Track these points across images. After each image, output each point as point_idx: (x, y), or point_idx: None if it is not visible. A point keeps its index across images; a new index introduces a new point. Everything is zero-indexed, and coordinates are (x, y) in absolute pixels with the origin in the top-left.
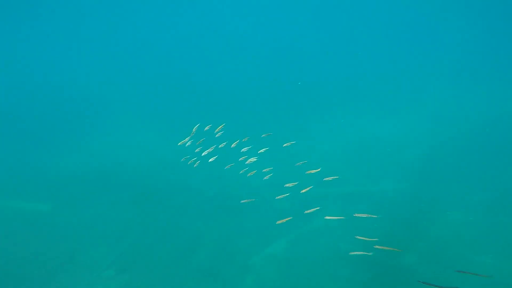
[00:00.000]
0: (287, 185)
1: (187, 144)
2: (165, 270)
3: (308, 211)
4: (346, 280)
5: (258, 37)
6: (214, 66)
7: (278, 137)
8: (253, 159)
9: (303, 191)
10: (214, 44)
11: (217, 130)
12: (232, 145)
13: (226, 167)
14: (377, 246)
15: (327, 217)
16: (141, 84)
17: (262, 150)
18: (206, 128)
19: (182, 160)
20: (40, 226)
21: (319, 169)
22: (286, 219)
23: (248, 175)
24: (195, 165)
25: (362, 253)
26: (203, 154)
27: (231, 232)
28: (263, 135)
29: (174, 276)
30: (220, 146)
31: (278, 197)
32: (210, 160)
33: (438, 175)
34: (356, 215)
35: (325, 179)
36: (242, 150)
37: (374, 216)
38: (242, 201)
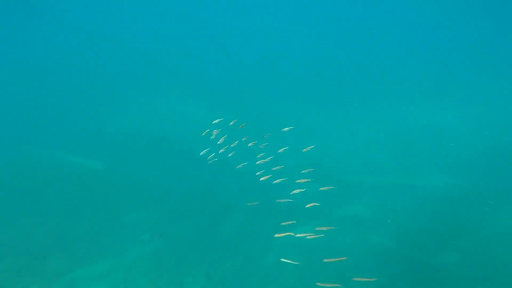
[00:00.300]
0: (298, 181)
1: (212, 137)
2: (194, 239)
3: (308, 205)
4: (372, 272)
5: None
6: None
7: (320, 124)
8: (263, 160)
9: (308, 205)
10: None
11: (240, 127)
12: (250, 144)
13: (238, 167)
14: (326, 260)
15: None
16: (196, 60)
17: (281, 150)
18: (231, 123)
19: (201, 154)
20: (94, 184)
21: (309, 179)
22: (290, 222)
23: (261, 179)
24: (210, 162)
25: (289, 261)
26: (220, 151)
27: (260, 209)
28: (284, 129)
29: (201, 246)
30: (243, 139)
31: (279, 200)
32: (228, 155)
33: (500, 174)
34: (298, 235)
35: (321, 188)
36: (260, 146)
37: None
38: (277, 200)
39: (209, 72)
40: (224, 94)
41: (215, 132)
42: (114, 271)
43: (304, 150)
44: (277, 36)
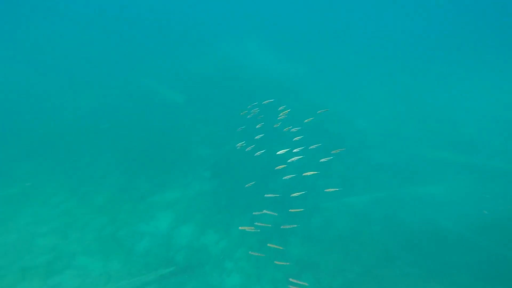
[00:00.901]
0: (334, 151)
1: (248, 116)
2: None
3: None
4: (423, 256)
5: None
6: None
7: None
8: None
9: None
10: None
11: (281, 115)
12: (285, 129)
13: (256, 154)
14: (270, 245)
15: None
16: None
17: (313, 146)
18: (265, 102)
19: (238, 130)
20: (171, 115)
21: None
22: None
23: (276, 168)
24: (238, 146)
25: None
26: (253, 144)
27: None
28: (319, 111)
29: (252, 193)
30: (275, 125)
31: (293, 194)
32: (256, 137)
33: None
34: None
35: (304, 174)
36: (295, 139)
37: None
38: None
39: (290, 24)
40: (301, 47)
41: (254, 111)
42: (179, 202)
43: (321, 161)
44: None
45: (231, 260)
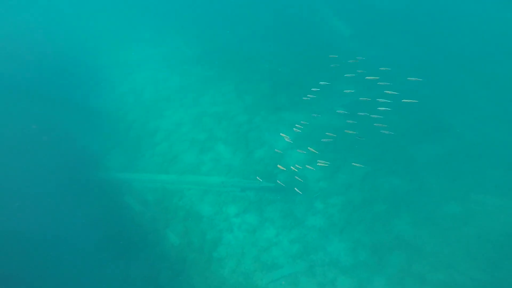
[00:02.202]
0: None
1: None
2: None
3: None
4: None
5: None
6: None
7: None
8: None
9: None
10: None
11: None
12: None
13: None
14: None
15: None
16: None
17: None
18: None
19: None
20: (334, 43)
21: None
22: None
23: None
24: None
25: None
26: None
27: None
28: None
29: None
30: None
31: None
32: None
33: None
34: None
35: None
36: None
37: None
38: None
39: None
40: None
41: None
42: (303, 127)
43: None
44: None
45: (323, 203)
